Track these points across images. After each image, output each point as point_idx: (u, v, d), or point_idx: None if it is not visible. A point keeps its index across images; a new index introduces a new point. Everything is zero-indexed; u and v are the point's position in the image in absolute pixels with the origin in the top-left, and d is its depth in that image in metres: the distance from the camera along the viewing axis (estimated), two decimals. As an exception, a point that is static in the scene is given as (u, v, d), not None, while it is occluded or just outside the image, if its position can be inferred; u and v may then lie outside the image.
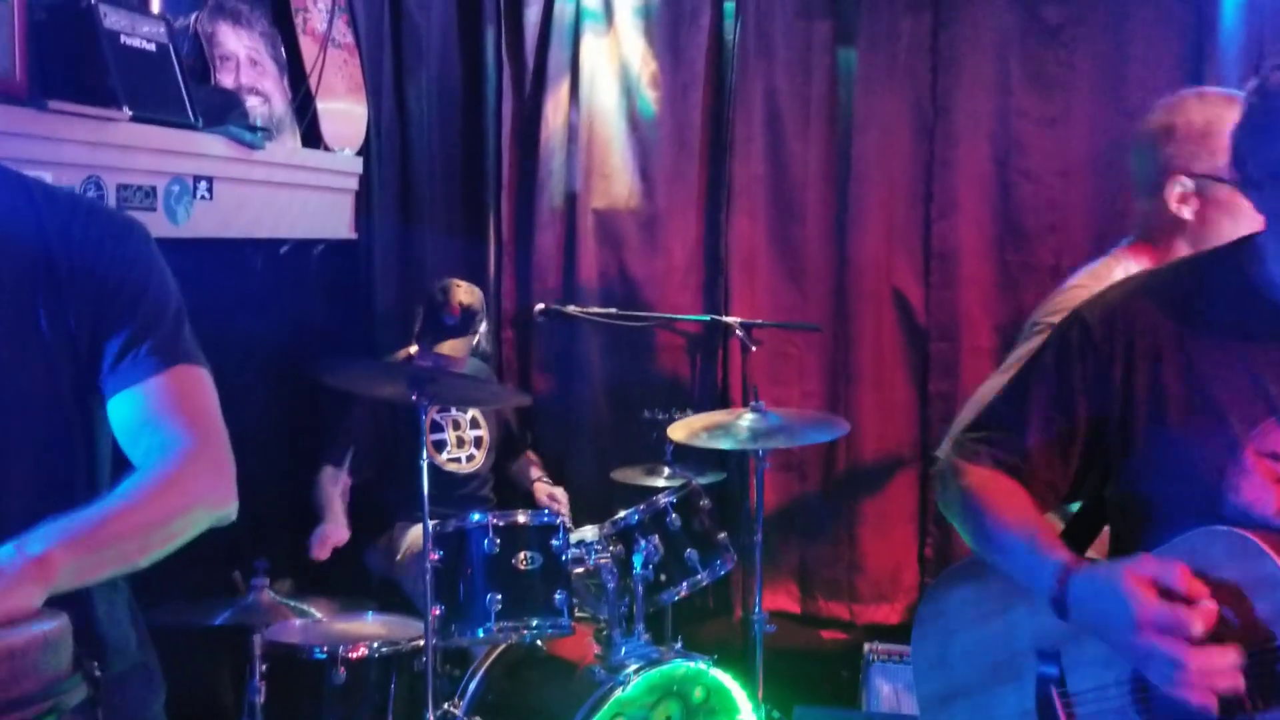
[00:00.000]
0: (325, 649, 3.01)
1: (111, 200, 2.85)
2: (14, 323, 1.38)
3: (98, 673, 1.10)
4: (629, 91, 4.21)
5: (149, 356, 1.42)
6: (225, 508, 1.41)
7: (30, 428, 1.39)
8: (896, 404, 4.06)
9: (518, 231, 4.38)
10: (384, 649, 3.06)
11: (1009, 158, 3.89)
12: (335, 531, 3.34)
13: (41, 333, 1.39)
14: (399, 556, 3.59)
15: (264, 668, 2.89)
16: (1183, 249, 2.05)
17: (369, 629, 3.17)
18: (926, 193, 3.97)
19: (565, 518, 3.06)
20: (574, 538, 3.12)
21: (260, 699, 2.85)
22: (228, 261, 3.56)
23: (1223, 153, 1.85)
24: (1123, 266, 2.13)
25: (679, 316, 4.20)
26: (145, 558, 1.32)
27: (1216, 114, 2.01)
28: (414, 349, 3.79)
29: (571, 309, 4.23)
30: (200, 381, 1.47)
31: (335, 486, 3.51)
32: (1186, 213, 2.04)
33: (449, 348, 3.64)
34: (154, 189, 3.01)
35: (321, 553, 3.29)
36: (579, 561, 3.06)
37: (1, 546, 1.16)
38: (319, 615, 2.86)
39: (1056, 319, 1.96)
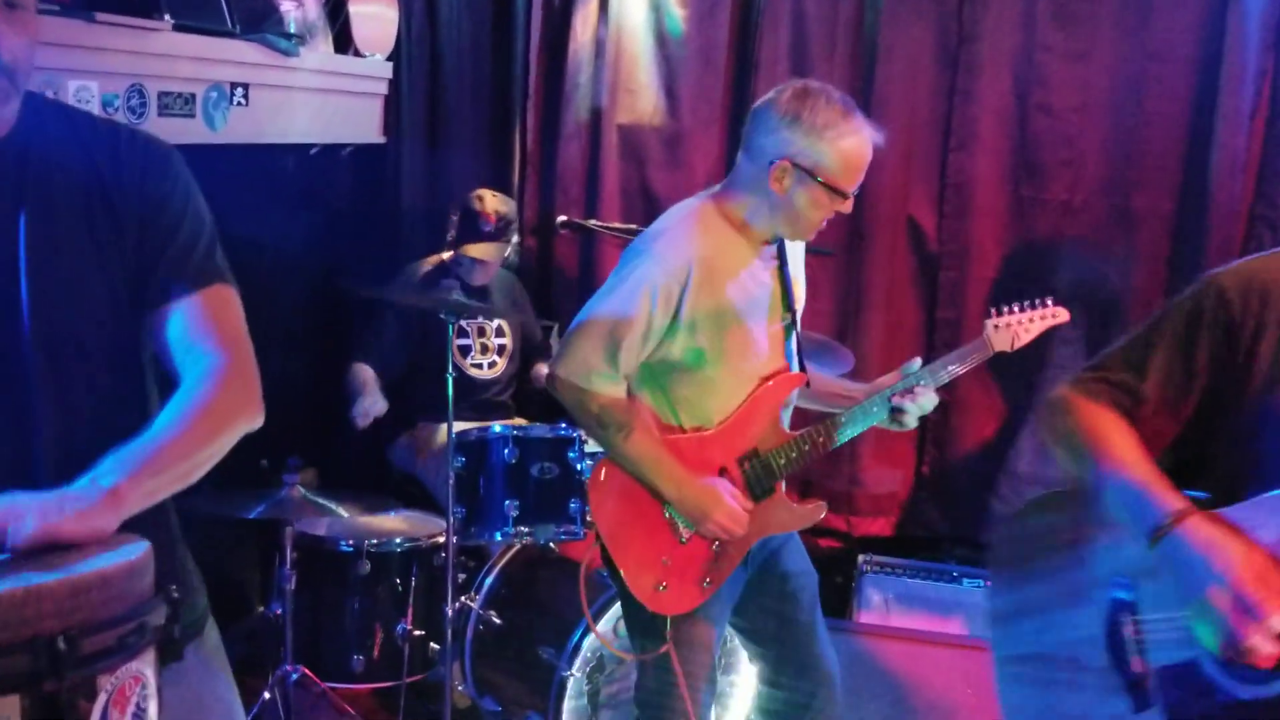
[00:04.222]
0: (351, 542, 3.22)
1: (153, 107, 2.94)
2: (75, 245, 1.50)
3: (176, 594, 1.24)
4: (658, 8, 4.23)
5: (187, 277, 1.55)
6: (256, 421, 1.56)
7: (100, 340, 1.53)
8: (904, 328, 4.17)
9: (543, 143, 4.45)
10: (405, 544, 3.26)
11: (1029, 91, 3.93)
12: (375, 404, 3.52)
13: (101, 254, 1.51)
14: (421, 454, 3.77)
15: (294, 557, 3.10)
16: (761, 209, 2.36)
17: (392, 524, 3.37)
18: (946, 123, 4.02)
19: (581, 431, 3.20)
20: (588, 449, 3.27)
21: (290, 586, 3.06)
22: (260, 164, 3.66)
23: (826, 155, 2.25)
24: (714, 210, 2.41)
25: (698, 235, 4.28)
26: (196, 477, 1.47)
27: (833, 121, 2.27)
28: (446, 255, 3.90)
29: (593, 223, 4.32)
30: (231, 300, 1.60)
31: (362, 377, 3.66)
32: (778, 189, 2.32)
33: (480, 250, 3.74)
34: (193, 96, 3.10)
35: (364, 421, 3.49)
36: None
37: (77, 481, 1.30)
38: (345, 514, 3.04)
39: (647, 244, 2.35)
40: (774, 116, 2.30)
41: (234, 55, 3.22)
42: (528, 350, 4.06)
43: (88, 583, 1.11)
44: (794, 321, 2.51)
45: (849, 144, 2.29)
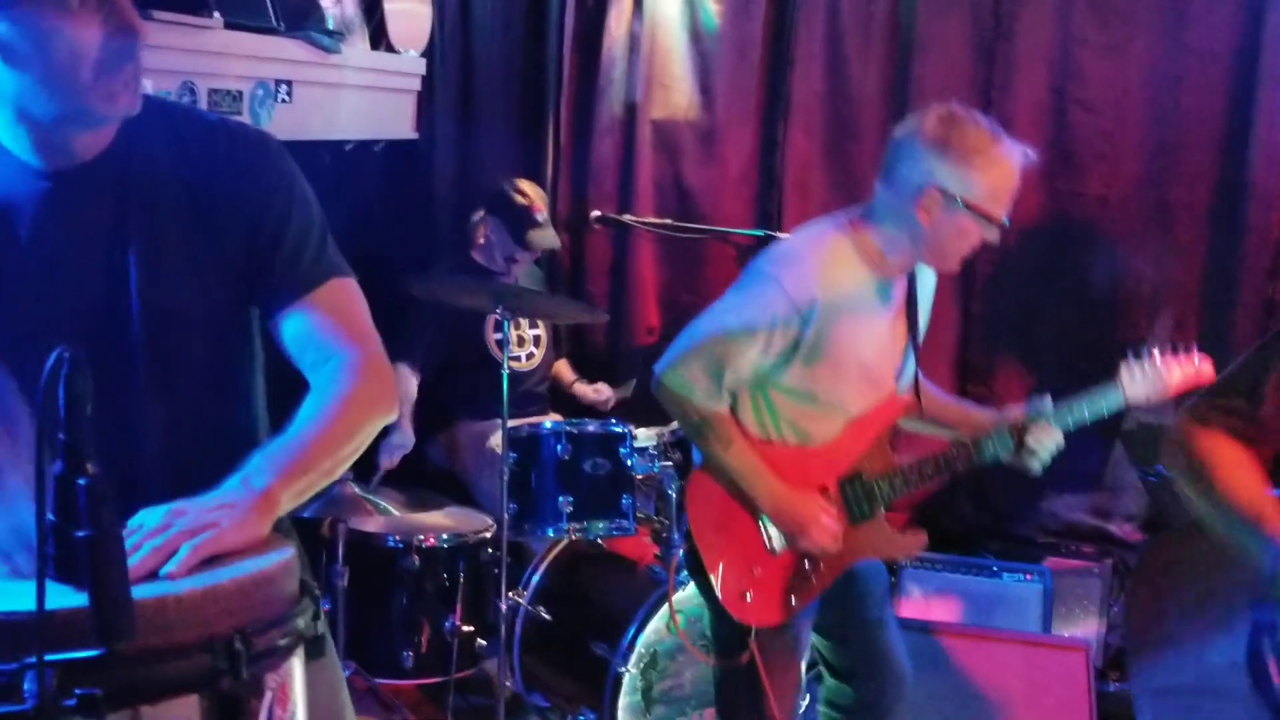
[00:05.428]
0: (400, 538, 3.23)
1: (204, 105, 2.94)
2: (181, 252, 1.49)
3: (317, 592, 1.26)
4: (692, 2, 4.24)
5: (302, 280, 1.52)
6: (391, 413, 1.55)
7: (209, 345, 1.52)
8: (938, 324, 4.13)
9: (576, 138, 4.45)
10: (454, 540, 3.27)
11: (1066, 85, 3.92)
12: (403, 441, 3.48)
13: (205, 261, 1.49)
14: (460, 453, 3.77)
15: (344, 552, 3.10)
16: (902, 240, 2.31)
17: (439, 520, 3.37)
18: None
19: (630, 427, 3.21)
20: (638, 444, 3.27)
21: (343, 582, 3.07)
22: (298, 160, 3.65)
23: (976, 182, 2.18)
24: (849, 239, 2.33)
25: (732, 230, 4.29)
26: (339, 473, 1.47)
27: (983, 146, 2.21)
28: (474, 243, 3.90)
29: (627, 218, 4.33)
30: (352, 292, 1.58)
31: (404, 388, 3.65)
32: (925, 219, 2.26)
33: (548, 237, 3.77)
34: (241, 93, 3.11)
35: (390, 463, 3.43)
36: (642, 468, 3.23)
37: (227, 481, 1.30)
38: (395, 511, 3.05)
39: (775, 269, 2.27)
40: (919, 144, 2.23)
41: (279, 53, 3.23)
42: (556, 339, 4.06)
43: (254, 583, 1.13)
44: (913, 351, 2.47)
45: (1000, 169, 2.22)
